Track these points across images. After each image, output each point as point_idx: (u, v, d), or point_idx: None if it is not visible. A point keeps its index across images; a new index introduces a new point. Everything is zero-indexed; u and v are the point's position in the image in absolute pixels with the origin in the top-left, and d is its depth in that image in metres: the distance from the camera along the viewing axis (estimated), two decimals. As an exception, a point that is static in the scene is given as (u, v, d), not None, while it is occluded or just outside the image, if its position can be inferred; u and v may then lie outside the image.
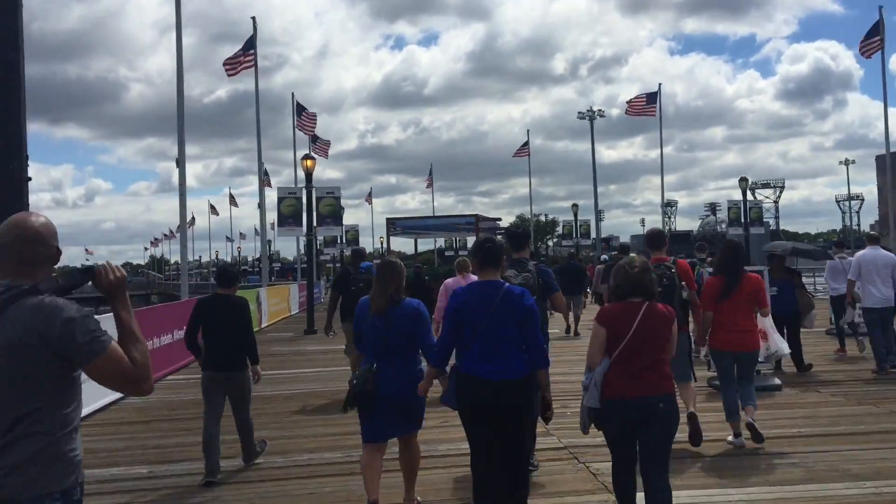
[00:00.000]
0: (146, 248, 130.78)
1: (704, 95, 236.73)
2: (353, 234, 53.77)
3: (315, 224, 24.06)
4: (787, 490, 5.77)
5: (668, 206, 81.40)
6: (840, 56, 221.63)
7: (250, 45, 26.99)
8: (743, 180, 36.42)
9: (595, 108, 54.95)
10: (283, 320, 26.62)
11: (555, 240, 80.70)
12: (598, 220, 55.76)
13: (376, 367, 5.17)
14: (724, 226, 74.83)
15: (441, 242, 67.61)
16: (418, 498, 5.60)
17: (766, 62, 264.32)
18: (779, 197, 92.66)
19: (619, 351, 4.54)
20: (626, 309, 4.61)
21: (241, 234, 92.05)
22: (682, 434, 7.33)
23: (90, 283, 2.66)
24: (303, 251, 32.35)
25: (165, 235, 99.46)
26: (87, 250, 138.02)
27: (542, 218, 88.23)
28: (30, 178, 4.66)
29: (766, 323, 7.89)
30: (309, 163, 22.88)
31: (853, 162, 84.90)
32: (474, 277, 9.68)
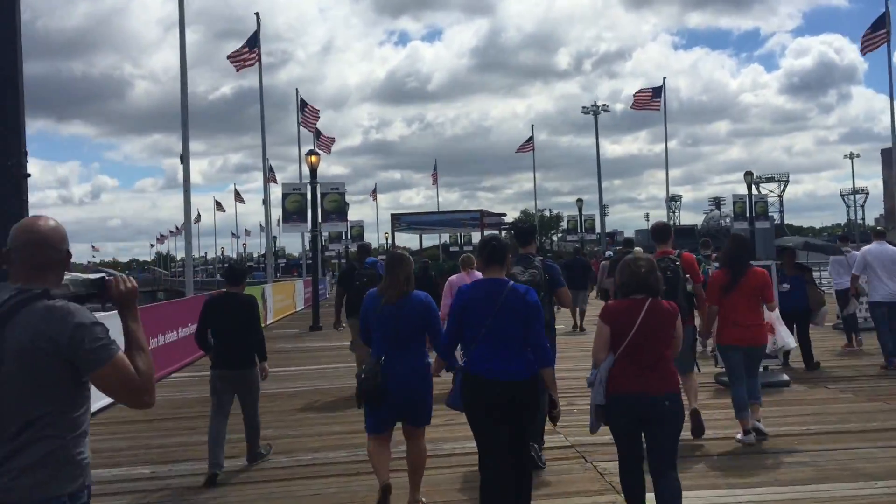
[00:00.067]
0: (152, 245, 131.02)
1: (708, 90, 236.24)
2: (358, 230, 53.71)
3: (320, 220, 23.99)
4: (797, 490, 5.68)
5: (672, 201, 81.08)
6: (844, 49, 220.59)
7: (254, 40, 26.93)
8: (748, 174, 36.30)
9: (599, 103, 55.01)
10: (288, 317, 26.60)
11: (559, 235, 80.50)
12: (603, 214, 55.64)
13: (384, 359, 5.17)
14: (728, 220, 74.66)
15: (446, 238, 67.43)
16: (423, 499, 5.54)
17: (770, 56, 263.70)
18: (783, 191, 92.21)
19: (624, 347, 4.57)
20: (630, 306, 4.63)
21: (246, 230, 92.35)
22: (685, 430, 7.29)
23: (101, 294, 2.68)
24: (308, 247, 32.34)
25: (171, 232, 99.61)
26: (93, 247, 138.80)
27: (547, 213, 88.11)
28: (29, 175, 4.62)
29: (773, 316, 7.82)
30: (313, 159, 22.80)
31: (858, 156, 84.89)
32: (478, 274, 9.63)
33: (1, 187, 4.55)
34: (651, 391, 4.52)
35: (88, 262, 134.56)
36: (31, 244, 2.56)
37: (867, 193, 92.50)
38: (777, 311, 7.87)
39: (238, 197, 76.86)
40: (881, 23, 25.80)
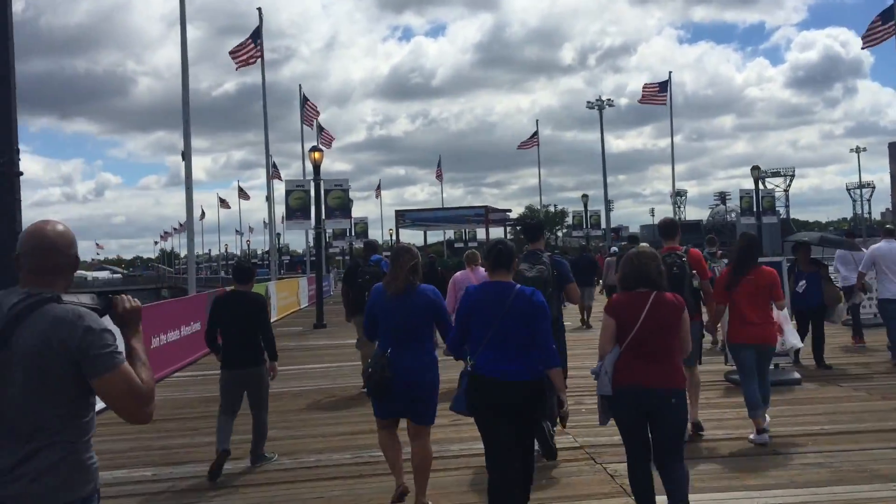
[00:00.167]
0: (156, 242, 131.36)
1: (714, 84, 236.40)
2: (362, 227, 53.64)
3: (323, 217, 23.89)
4: (813, 492, 5.54)
5: (677, 196, 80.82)
6: (850, 43, 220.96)
7: (256, 35, 26.79)
8: (755, 169, 36.09)
9: (604, 98, 54.72)
10: (292, 314, 26.48)
11: (564, 230, 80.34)
12: (608, 210, 55.45)
13: (390, 352, 5.16)
14: (734, 215, 74.46)
15: (450, 234, 67.36)
16: (429, 502, 5.42)
17: (775, 50, 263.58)
18: (789, 185, 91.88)
19: (629, 340, 4.61)
20: (635, 299, 4.67)
21: (249, 227, 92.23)
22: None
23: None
24: (311, 244, 32.25)
25: (175, 229, 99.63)
26: (97, 245, 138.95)
27: (552, 209, 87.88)
28: (21, 173, 4.51)
29: (781, 316, 7.73)
30: (317, 155, 22.63)
31: (864, 149, 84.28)
32: (482, 270, 9.54)
33: (-6, 185, 4.44)
34: (656, 384, 4.58)
35: (92, 260, 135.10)
36: (40, 249, 2.57)
37: (873, 187, 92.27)
38: (785, 310, 7.75)
39: (242, 194, 76.84)
40: (889, 14, 25.49)
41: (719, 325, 8.90)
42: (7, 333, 2.42)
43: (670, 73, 42.25)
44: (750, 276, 7.01)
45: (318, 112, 35.77)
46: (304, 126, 36.35)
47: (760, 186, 38.09)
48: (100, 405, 2.65)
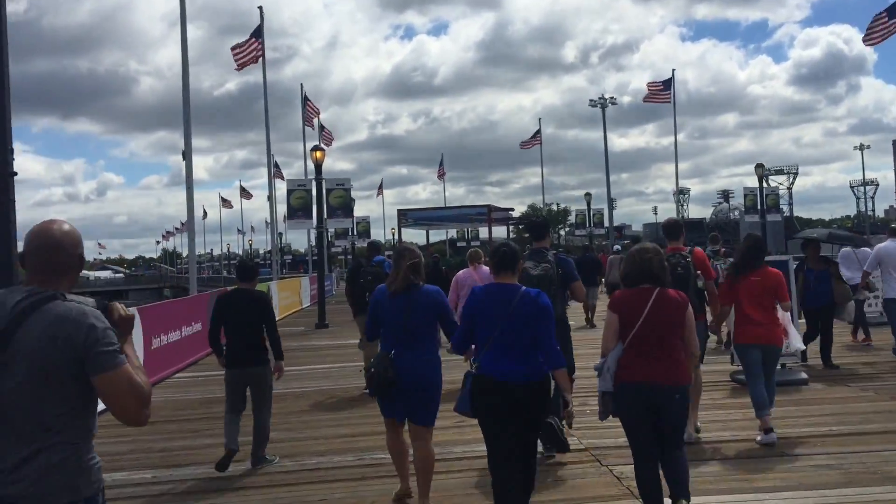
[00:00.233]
0: (158, 242, 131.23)
1: (716, 82, 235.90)
2: (364, 226, 53.56)
3: (325, 216, 23.80)
4: (823, 495, 5.44)
5: (680, 194, 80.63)
6: (853, 40, 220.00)
7: (258, 34, 26.71)
8: (759, 167, 35.97)
9: (607, 96, 54.52)
10: (294, 314, 26.41)
11: (567, 229, 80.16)
12: (611, 208, 55.33)
13: (394, 352, 5.15)
14: (737, 213, 74.33)
15: (453, 233, 67.16)
16: (433, 506, 5.34)
17: (778, 47, 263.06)
18: (792, 183, 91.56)
19: (632, 337, 4.61)
20: (638, 295, 4.67)
21: (251, 226, 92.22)
22: (708, 433, 7.07)
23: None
24: (314, 243, 32.19)
25: (177, 229, 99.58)
26: (99, 244, 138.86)
27: (555, 207, 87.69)
28: (15, 173, 4.43)
29: (786, 317, 7.67)
30: (318, 154, 22.53)
31: (868, 147, 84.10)
32: (485, 268, 9.46)
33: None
34: (660, 380, 4.57)
35: (95, 260, 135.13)
36: (45, 248, 2.57)
37: (877, 185, 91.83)
38: (789, 311, 7.67)
39: (244, 193, 76.70)
40: (894, 11, 25.29)
41: (724, 323, 8.81)
42: (10, 332, 2.40)
43: (673, 70, 42.11)
44: (756, 276, 6.95)
45: (317, 112, 35.67)
46: (305, 126, 36.32)
47: (764, 184, 37.91)
48: (100, 406, 2.59)
